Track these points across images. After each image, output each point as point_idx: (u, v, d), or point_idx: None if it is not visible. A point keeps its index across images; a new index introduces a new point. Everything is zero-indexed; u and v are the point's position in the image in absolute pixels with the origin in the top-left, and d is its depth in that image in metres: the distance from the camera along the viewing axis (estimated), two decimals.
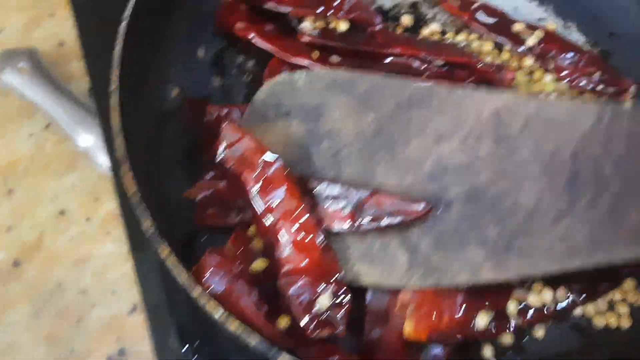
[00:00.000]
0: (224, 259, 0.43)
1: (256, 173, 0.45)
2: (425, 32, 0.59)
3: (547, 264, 0.42)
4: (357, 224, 0.45)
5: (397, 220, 0.44)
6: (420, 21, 0.60)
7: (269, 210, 0.44)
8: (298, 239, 0.43)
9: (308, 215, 0.44)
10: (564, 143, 0.43)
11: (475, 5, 0.59)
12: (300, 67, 0.53)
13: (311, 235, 0.43)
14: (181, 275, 0.40)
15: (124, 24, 0.47)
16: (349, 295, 0.42)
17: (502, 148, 0.45)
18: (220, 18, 0.57)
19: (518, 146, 0.45)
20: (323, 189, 0.46)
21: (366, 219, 0.45)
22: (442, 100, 0.47)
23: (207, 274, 0.42)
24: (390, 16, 0.60)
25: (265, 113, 0.50)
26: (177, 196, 0.49)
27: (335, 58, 0.54)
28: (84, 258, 0.53)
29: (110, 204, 0.55)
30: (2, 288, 0.51)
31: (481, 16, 0.58)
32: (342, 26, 0.56)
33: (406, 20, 0.59)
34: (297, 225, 0.44)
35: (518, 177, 0.44)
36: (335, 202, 0.45)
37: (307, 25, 0.56)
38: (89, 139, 0.55)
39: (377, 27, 0.56)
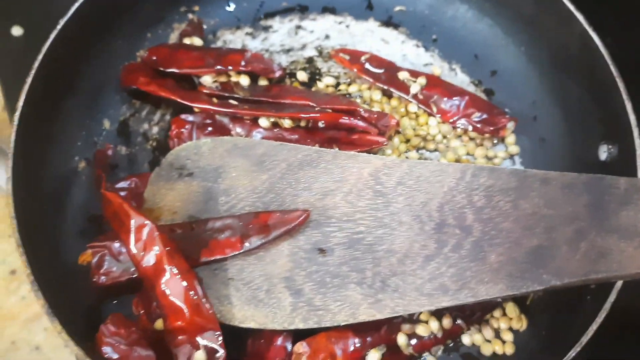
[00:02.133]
0: (120, 326, 0.46)
1: (131, 235, 0.48)
2: (320, 85, 0.63)
3: (418, 302, 0.45)
4: (247, 244, 0.49)
5: (282, 230, 0.48)
6: (315, 75, 0.64)
7: (147, 270, 0.47)
8: (174, 297, 0.46)
9: (179, 275, 0.46)
10: (432, 196, 0.48)
11: (365, 57, 0.62)
12: (207, 124, 0.57)
13: (188, 292, 0.46)
14: (75, 349, 0.43)
15: (17, 113, 0.50)
16: (223, 350, 0.45)
17: (379, 201, 0.49)
18: (125, 75, 0.60)
19: (393, 199, 0.49)
20: (212, 224, 0.50)
21: (254, 238, 0.48)
22: (328, 162, 0.52)
23: (104, 344, 0.45)
24: (287, 73, 0.64)
25: (169, 175, 0.54)
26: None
27: (233, 102, 0.58)
28: (35, 316, 0.56)
29: None
30: None
31: (370, 67, 0.62)
32: (243, 81, 0.59)
33: (302, 76, 0.63)
34: (173, 283, 0.46)
35: (392, 226, 0.48)
36: (226, 232, 0.49)
37: (207, 79, 0.59)
38: None
39: (277, 74, 0.60)
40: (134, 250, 0.47)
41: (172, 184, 0.54)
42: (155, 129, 0.61)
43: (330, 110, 0.56)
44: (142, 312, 0.50)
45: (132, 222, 0.47)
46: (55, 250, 0.52)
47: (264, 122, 0.57)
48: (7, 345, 0.54)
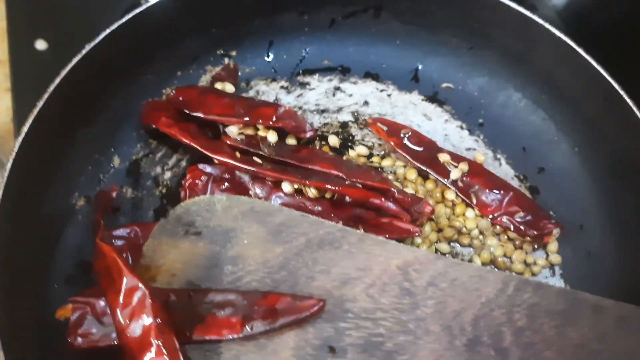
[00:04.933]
0: None
1: (120, 297, 0.42)
2: (352, 154, 0.58)
3: None
4: (248, 328, 0.43)
5: (290, 319, 0.42)
6: (348, 142, 0.59)
7: (130, 341, 0.41)
8: None
9: (166, 354, 0.40)
10: (467, 306, 0.42)
11: (404, 131, 0.58)
12: (224, 179, 0.52)
13: None
14: None
15: (24, 132, 0.45)
16: None
17: (405, 301, 0.43)
18: (146, 112, 0.56)
19: (421, 302, 0.43)
20: (213, 297, 0.44)
21: (258, 322, 0.43)
22: (352, 245, 0.46)
23: None
24: (318, 135, 0.59)
25: (175, 230, 0.49)
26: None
27: (257, 159, 0.52)
28: None
29: None
30: None
31: (409, 143, 0.57)
32: (271, 137, 0.55)
33: (333, 140, 0.58)
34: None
35: (417, 333, 0.42)
36: (226, 309, 0.44)
37: (233, 129, 0.54)
38: None
39: (308, 135, 0.56)
40: (120, 315, 0.41)
41: (176, 241, 0.49)
42: (167, 174, 0.56)
43: (360, 186, 0.51)
44: None
45: (124, 282, 0.42)
46: (33, 295, 0.46)
47: (286, 187, 0.52)
48: None
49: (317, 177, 0.52)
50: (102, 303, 0.44)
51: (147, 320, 0.41)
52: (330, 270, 0.45)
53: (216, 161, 0.54)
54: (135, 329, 0.41)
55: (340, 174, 0.51)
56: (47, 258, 0.49)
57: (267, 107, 0.56)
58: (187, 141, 0.53)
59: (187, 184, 0.53)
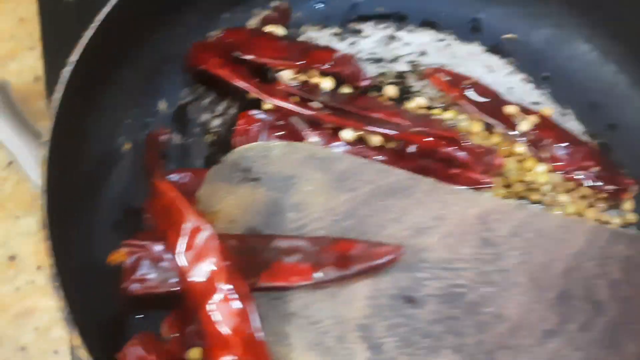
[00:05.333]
0: (150, 350, 0.37)
1: (183, 239, 0.39)
2: (411, 105, 0.54)
3: None
4: (320, 274, 0.40)
5: (365, 265, 0.39)
6: (405, 93, 0.55)
7: (194, 286, 0.38)
8: (224, 325, 0.37)
9: (236, 299, 0.37)
10: (555, 257, 0.40)
11: (467, 82, 0.54)
12: (279, 126, 0.48)
13: (243, 322, 0.37)
14: None
15: (67, 69, 0.42)
16: None
17: (486, 252, 0.40)
18: (193, 54, 0.52)
19: (504, 253, 0.40)
20: (278, 243, 0.41)
21: (329, 269, 0.40)
22: (425, 193, 0.43)
23: None
24: (374, 86, 0.55)
25: (231, 175, 0.46)
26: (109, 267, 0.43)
27: (316, 104, 0.49)
28: (28, 311, 0.49)
29: None
30: None
31: (472, 94, 0.54)
32: (325, 84, 0.51)
33: (391, 91, 0.55)
34: (225, 308, 0.37)
35: (502, 285, 0.39)
36: (294, 255, 0.41)
37: (285, 75, 0.51)
38: None
39: (365, 82, 0.52)
40: (182, 258, 0.38)
41: (233, 187, 0.45)
42: (216, 122, 0.53)
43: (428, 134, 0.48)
44: (174, 335, 0.41)
45: (188, 223, 0.38)
46: (82, 241, 0.43)
47: (347, 134, 0.48)
48: None
49: (380, 125, 0.48)
50: (158, 247, 0.41)
51: (213, 263, 0.38)
52: (402, 219, 0.42)
53: (267, 107, 0.50)
54: (200, 273, 0.38)
55: (405, 122, 0.48)
56: (94, 203, 0.45)
57: (323, 51, 0.52)
58: (241, 83, 0.49)
59: (239, 130, 0.49)
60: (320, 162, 0.46)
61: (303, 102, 0.49)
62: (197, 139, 0.52)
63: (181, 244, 0.39)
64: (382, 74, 0.56)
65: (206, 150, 0.51)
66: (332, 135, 0.49)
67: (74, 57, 0.42)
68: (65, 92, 0.41)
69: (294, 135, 0.49)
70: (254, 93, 0.50)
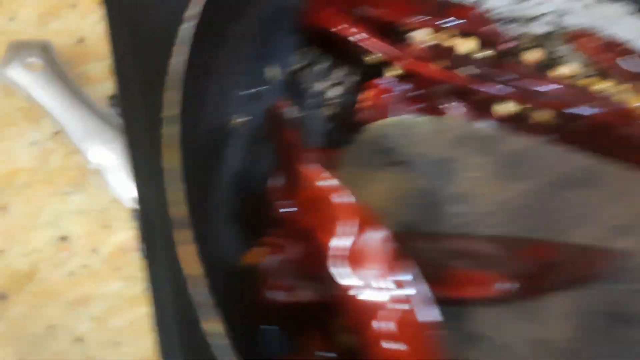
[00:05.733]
0: None
1: (341, 239, 0.31)
2: (558, 72, 0.46)
3: None
4: (508, 286, 0.32)
5: (571, 277, 0.33)
6: (550, 59, 0.47)
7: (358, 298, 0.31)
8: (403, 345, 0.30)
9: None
10: None
11: (619, 47, 0.46)
12: (414, 97, 0.40)
13: (425, 343, 0.30)
14: None
15: (188, 25, 0.33)
16: None
17: None
18: (307, 9, 0.44)
19: None
20: (451, 244, 0.35)
21: (522, 279, 0.32)
22: (621, 184, 0.36)
23: None
24: (511, 49, 0.47)
25: (370, 158, 0.38)
26: (234, 265, 0.35)
27: (464, 70, 0.41)
28: (84, 298, 0.45)
29: (122, 234, 0.47)
30: None
31: (628, 61, 0.46)
32: (464, 46, 0.43)
33: (533, 55, 0.46)
34: (408, 329, 0.30)
35: None
36: (471, 260, 0.34)
37: (420, 34, 0.43)
38: (103, 155, 0.46)
39: (505, 46, 0.45)
40: (336, 263, 0.30)
41: (374, 173, 0.38)
42: (334, 92, 0.44)
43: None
44: (320, 355, 0.33)
45: (348, 221, 0.30)
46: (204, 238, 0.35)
47: (503, 108, 0.40)
48: (43, 331, 0.44)
49: (544, 98, 0.40)
50: (300, 247, 0.34)
51: (383, 270, 0.30)
52: (594, 216, 0.35)
53: (394, 74, 0.42)
54: (365, 282, 0.30)
55: (579, 97, 0.40)
56: (207, 191, 0.38)
57: (461, 9, 0.44)
58: (368, 43, 0.41)
59: (367, 103, 0.41)
60: (481, 142, 0.38)
61: (446, 68, 0.41)
62: (313, 113, 0.44)
63: (338, 246, 0.31)
64: (521, 36, 0.48)
65: (325, 126, 0.43)
66: (483, 110, 0.41)
67: (194, 9, 0.34)
68: (191, 54, 0.32)
69: (434, 109, 0.41)
70: (385, 55, 0.41)
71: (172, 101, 0.31)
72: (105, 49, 0.52)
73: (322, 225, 0.32)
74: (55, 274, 0.46)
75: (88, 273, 0.46)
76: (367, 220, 0.31)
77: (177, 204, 0.29)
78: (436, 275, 0.33)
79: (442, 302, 0.33)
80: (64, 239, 0.47)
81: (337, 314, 0.33)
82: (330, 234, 0.31)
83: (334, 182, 0.32)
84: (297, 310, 0.34)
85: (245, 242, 0.37)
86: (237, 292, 0.34)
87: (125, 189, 0.46)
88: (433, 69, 0.40)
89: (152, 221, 0.42)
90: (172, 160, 0.30)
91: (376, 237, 0.30)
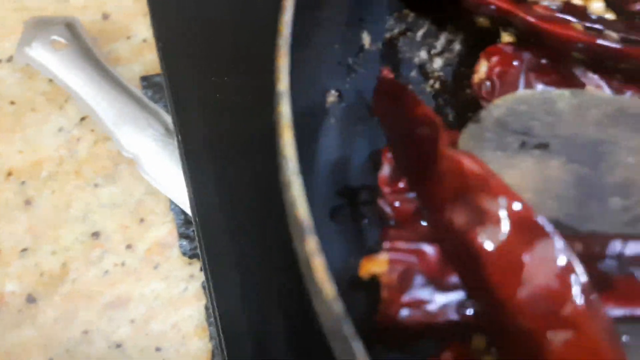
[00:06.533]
0: None
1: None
2: None
3: None
4: None
5: None
6: None
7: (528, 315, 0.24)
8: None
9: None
10: None
11: None
12: (545, 70, 0.33)
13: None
14: None
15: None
16: None
17: None
18: None
19: None
20: (618, 247, 0.28)
21: None
22: None
23: None
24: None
25: (501, 139, 0.32)
26: (338, 273, 0.29)
27: (613, 34, 0.34)
28: (121, 299, 0.42)
29: (160, 228, 0.43)
30: (10, 331, 0.41)
31: None
32: (596, 6, 0.36)
33: None
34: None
35: None
36: None
37: None
38: (138, 142, 0.42)
39: (638, 7, 0.37)
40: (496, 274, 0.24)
41: (509, 157, 0.31)
42: (437, 62, 0.38)
43: None
44: None
45: (503, 211, 0.24)
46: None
47: None
48: (78, 335, 0.41)
49: None
50: (434, 252, 0.27)
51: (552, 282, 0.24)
52: None
53: (509, 39, 0.35)
54: (533, 296, 0.24)
55: None
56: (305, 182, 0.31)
57: None
58: (505, 5, 0.34)
59: (491, 73, 0.34)
60: (638, 120, 0.31)
61: (585, 30, 0.34)
62: (415, 87, 0.37)
63: (493, 253, 0.24)
64: None
65: (430, 102, 0.37)
66: (627, 81, 0.34)
67: None
68: (295, 12, 0.26)
69: (570, 81, 0.35)
70: (507, 14, 0.34)
71: (284, 69, 0.24)
72: (133, 25, 0.48)
73: (472, 222, 0.25)
74: (88, 274, 0.43)
75: (124, 272, 0.43)
76: (531, 218, 0.24)
77: (301, 205, 0.22)
78: (606, 286, 0.27)
79: (616, 320, 0.26)
80: (95, 235, 0.43)
81: (478, 332, 0.27)
82: (486, 233, 0.25)
83: (489, 169, 0.25)
84: (425, 331, 0.27)
85: (350, 248, 0.31)
86: (352, 311, 0.28)
87: (163, 178, 0.43)
88: (574, 29, 0.33)
89: (210, 218, 0.37)
90: (289, 147, 0.23)
91: (548, 244, 0.24)
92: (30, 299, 0.42)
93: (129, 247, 0.43)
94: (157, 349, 0.41)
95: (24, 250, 0.43)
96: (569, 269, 0.24)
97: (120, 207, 0.44)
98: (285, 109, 0.23)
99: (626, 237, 0.27)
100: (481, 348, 0.27)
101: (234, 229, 0.37)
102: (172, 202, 0.44)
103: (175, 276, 0.42)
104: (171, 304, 0.42)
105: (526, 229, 0.24)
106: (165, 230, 0.43)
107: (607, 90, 0.34)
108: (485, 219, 0.25)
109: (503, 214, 0.24)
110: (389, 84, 0.32)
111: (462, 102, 0.35)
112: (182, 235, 0.43)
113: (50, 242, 0.43)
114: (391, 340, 0.28)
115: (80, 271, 0.43)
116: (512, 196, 0.25)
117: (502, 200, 0.24)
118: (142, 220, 0.44)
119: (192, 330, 0.41)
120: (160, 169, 0.43)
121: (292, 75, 0.28)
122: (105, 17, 0.48)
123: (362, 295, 0.29)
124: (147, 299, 0.42)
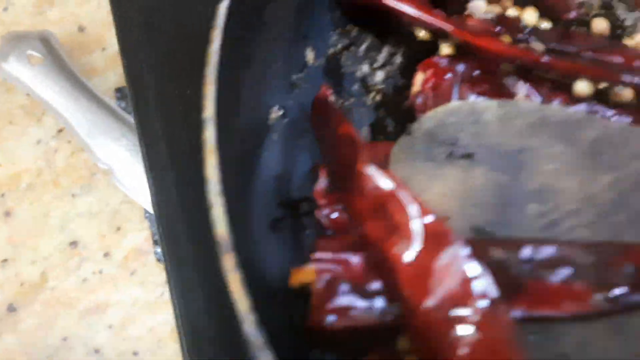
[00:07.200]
0: None
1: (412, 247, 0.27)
2: (630, 43, 0.41)
3: None
4: (603, 299, 0.28)
5: None
6: (616, 28, 0.42)
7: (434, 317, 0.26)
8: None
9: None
10: None
11: None
12: (477, 80, 0.35)
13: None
14: None
15: (224, 5, 0.28)
16: None
17: None
18: None
19: None
20: (532, 252, 0.29)
21: (622, 292, 0.28)
22: None
23: None
24: (576, 19, 0.42)
25: (430, 151, 0.34)
26: (277, 282, 0.31)
27: (539, 46, 0.36)
28: (99, 306, 0.44)
29: (135, 236, 0.45)
30: None
31: None
32: (529, 17, 0.38)
33: (600, 25, 0.41)
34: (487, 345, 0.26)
35: None
36: (560, 270, 0.29)
37: (478, 5, 0.38)
38: (113, 153, 0.44)
39: (572, 15, 0.40)
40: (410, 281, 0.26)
41: (437, 168, 0.33)
42: (379, 75, 0.39)
43: None
44: None
45: (418, 224, 0.26)
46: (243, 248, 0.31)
47: (582, 87, 0.35)
48: (57, 342, 0.43)
49: (625, 73, 0.35)
50: (357, 259, 0.29)
51: (458, 285, 0.26)
52: None
53: (447, 52, 0.37)
54: (440, 302, 0.26)
55: None
56: (245, 196, 0.33)
57: None
58: (432, 20, 0.36)
59: (425, 86, 0.36)
60: (559, 128, 0.33)
61: (513, 43, 0.36)
62: (357, 100, 0.39)
63: (409, 258, 0.26)
64: (582, 3, 0.42)
65: (371, 115, 0.39)
66: (554, 90, 0.36)
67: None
68: (223, 41, 0.27)
69: (501, 91, 0.36)
70: (441, 29, 0.36)
71: (210, 97, 0.26)
72: (107, 37, 0.50)
73: (388, 234, 0.27)
74: (66, 281, 0.44)
75: (102, 279, 0.44)
76: (441, 228, 0.26)
77: (221, 224, 0.24)
78: (518, 289, 0.29)
79: (525, 320, 0.28)
80: (74, 244, 0.45)
81: (401, 334, 0.29)
82: (400, 244, 0.27)
83: (401, 183, 0.27)
84: (354, 334, 0.29)
85: (290, 257, 0.33)
86: (284, 317, 0.30)
87: (137, 188, 0.44)
88: (501, 43, 0.35)
89: (173, 226, 0.38)
90: (213, 169, 0.25)
91: (454, 249, 0.26)
92: (11, 308, 0.44)
93: (106, 254, 0.45)
94: (135, 353, 0.43)
95: (4, 260, 0.45)
96: (473, 274, 0.26)
97: (97, 216, 0.46)
98: (209, 135, 0.25)
99: (538, 242, 0.29)
100: (407, 349, 0.29)
101: (195, 235, 0.39)
102: (146, 211, 0.46)
103: (152, 282, 0.44)
104: (148, 308, 0.44)
105: (434, 239, 0.26)
106: (141, 237, 0.45)
107: (537, 99, 0.36)
108: (397, 230, 0.26)
109: (413, 225, 0.26)
110: (322, 102, 0.33)
111: (402, 114, 0.37)
112: (157, 242, 0.45)
113: (29, 251, 0.45)
114: (323, 344, 0.30)
115: (59, 279, 0.44)
116: (421, 207, 0.27)
117: (412, 212, 0.26)
118: (118, 228, 0.45)
119: (167, 334, 0.43)
120: (134, 178, 0.44)
121: (230, 97, 0.30)
122: (81, 29, 0.50)
123: (301, 302, 0.31)
124: (124, 305, 0.44)
